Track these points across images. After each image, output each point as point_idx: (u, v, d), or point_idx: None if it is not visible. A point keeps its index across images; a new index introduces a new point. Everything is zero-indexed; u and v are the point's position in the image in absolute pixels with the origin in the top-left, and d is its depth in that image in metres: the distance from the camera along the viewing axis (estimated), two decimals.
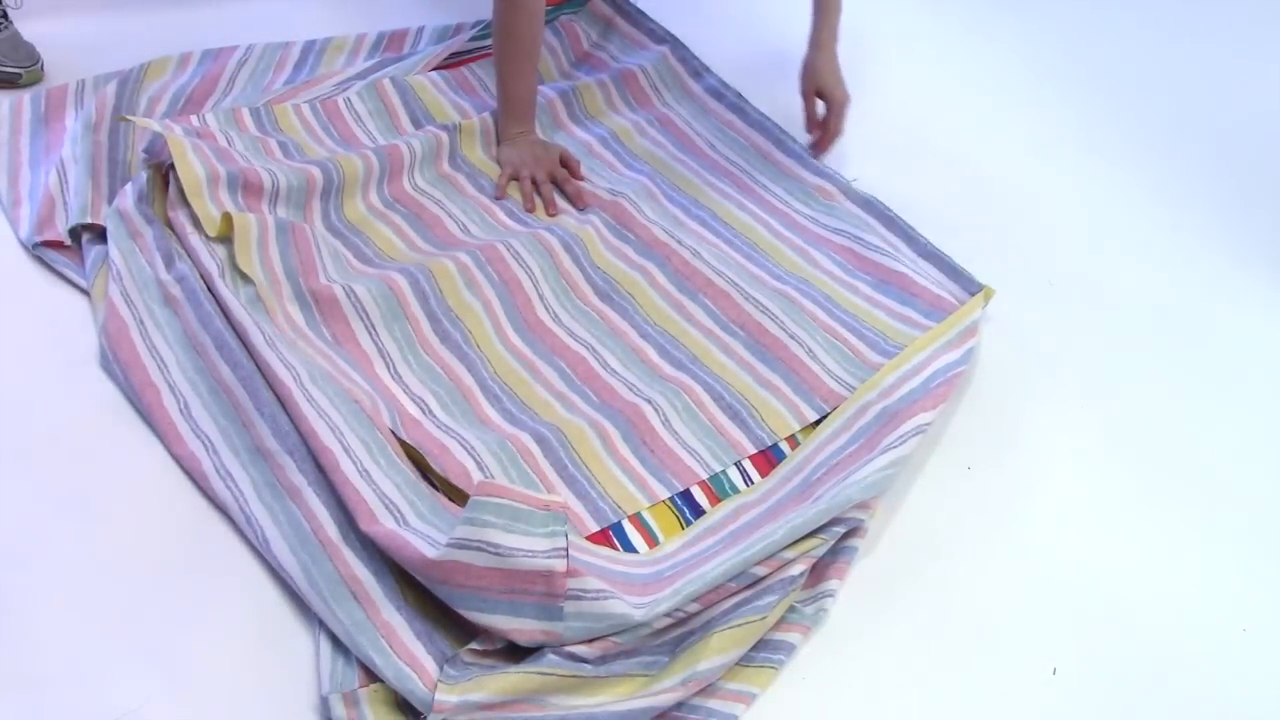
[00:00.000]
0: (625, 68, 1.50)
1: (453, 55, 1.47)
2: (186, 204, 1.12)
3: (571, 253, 1.20)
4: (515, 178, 1.30)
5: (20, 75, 1.33)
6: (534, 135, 1.34)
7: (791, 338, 1.13)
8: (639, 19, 1.59)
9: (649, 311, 1.17)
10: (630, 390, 1.07)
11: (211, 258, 1.07)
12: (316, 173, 1.20)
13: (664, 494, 0.99)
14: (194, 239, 1.09)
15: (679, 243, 1.23)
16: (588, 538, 0.94)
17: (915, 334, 1.16)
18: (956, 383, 1.07)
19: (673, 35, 1.55)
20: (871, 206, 1.33)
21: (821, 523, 0.90)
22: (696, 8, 1.71)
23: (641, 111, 1.46)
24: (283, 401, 0.96)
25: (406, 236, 1.21)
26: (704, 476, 1.01)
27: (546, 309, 1.15)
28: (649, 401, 1.05)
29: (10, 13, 1.35)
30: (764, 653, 0.87)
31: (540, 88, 1.43)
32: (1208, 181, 1.42)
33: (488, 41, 1.50)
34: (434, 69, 1.45)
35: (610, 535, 0.96)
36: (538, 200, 1.28)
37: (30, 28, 1.39)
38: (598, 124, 1.43)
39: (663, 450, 1.02)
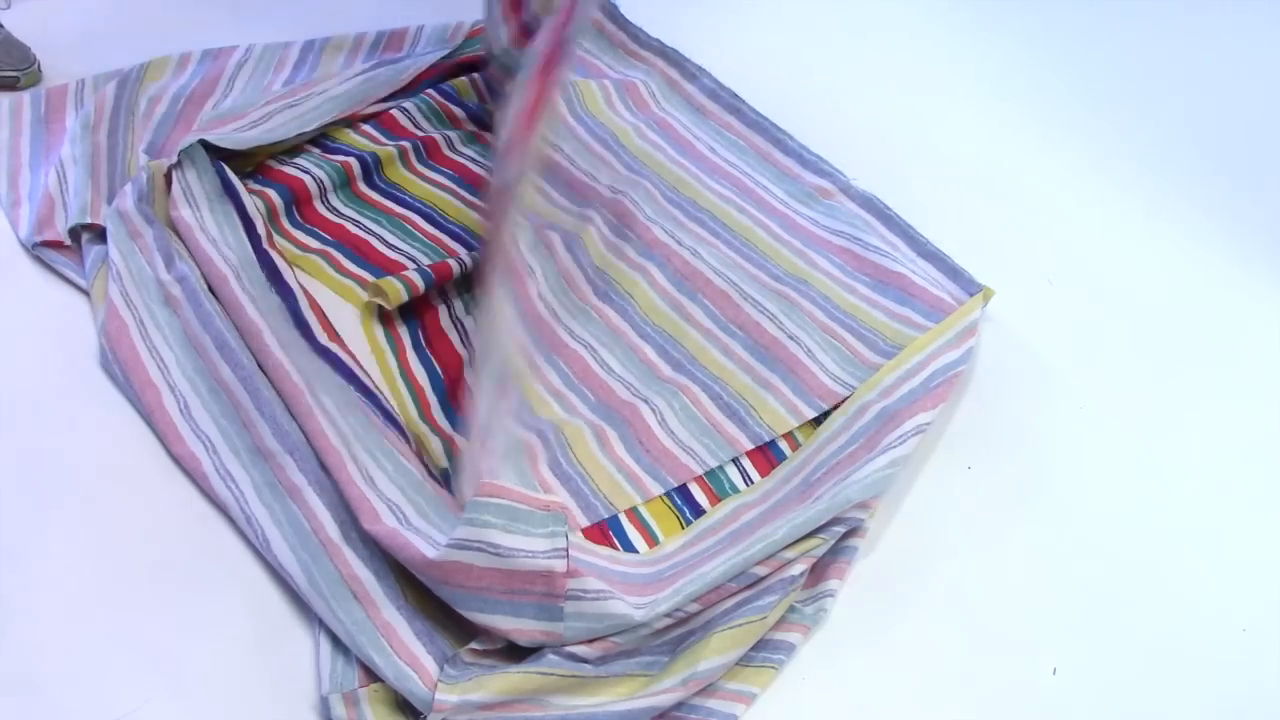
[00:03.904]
0: (624, 78, 1.50)
1: (448, 56, 1.47)
2: (189, 204, 1.13)
3: (571, 251, 1.21)
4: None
5: (18, 78, 1.33)
6: None
7: (790, 338, 1.13)
8: (626, 24, 1.59)
9: (647, 311, 1.17)
10: (628, 390, 1.07)
11: (225, 263, 1.07)
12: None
13: (658, 490, 0.99)
14: (202, 240, 1.09)
15: (679, 243, 1.23)
16: (587, 537, 0.94)
17: (914, 334, 1.16)
18: (956, 382, 1.07)
19: (661, 42, 1.55)
20: (871, 205, 1.33)
21: (821, 522, 0.90)
22: (689, 6, 1.71)
23: (641, 115, 1.46)
24: (288, 400, 0.96)
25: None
26: (700, 472, 1.01)
27: (545, 306, 1.15)
28: (646, 402, 1.05)
29: (0, 15, 1.35)
30: (764, 653, 0.87)
31: None
32: (1209, 180, 1.42)
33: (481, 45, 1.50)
34: (428, 74, 1.45)
35: (610, 535, 0.96)
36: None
37: (23, 25, 1.39)
38: (598, 123, 1.43)
39: (658, 450, 1.03)
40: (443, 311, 1.13)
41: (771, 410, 1.08)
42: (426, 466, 0.97)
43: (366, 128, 1.35)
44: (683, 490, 1.00)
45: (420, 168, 1.31)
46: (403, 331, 1.11)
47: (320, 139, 1.32)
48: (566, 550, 0.82)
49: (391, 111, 1.37)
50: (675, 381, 1.09)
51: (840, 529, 0.92)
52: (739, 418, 1.07)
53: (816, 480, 0.98)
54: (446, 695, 0.78)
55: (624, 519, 0.97)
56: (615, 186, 1.31)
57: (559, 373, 1.09)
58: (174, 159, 1.16)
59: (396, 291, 1.07)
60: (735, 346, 1.14)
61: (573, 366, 1.10)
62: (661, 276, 1.21)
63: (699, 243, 1.25)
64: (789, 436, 1.06)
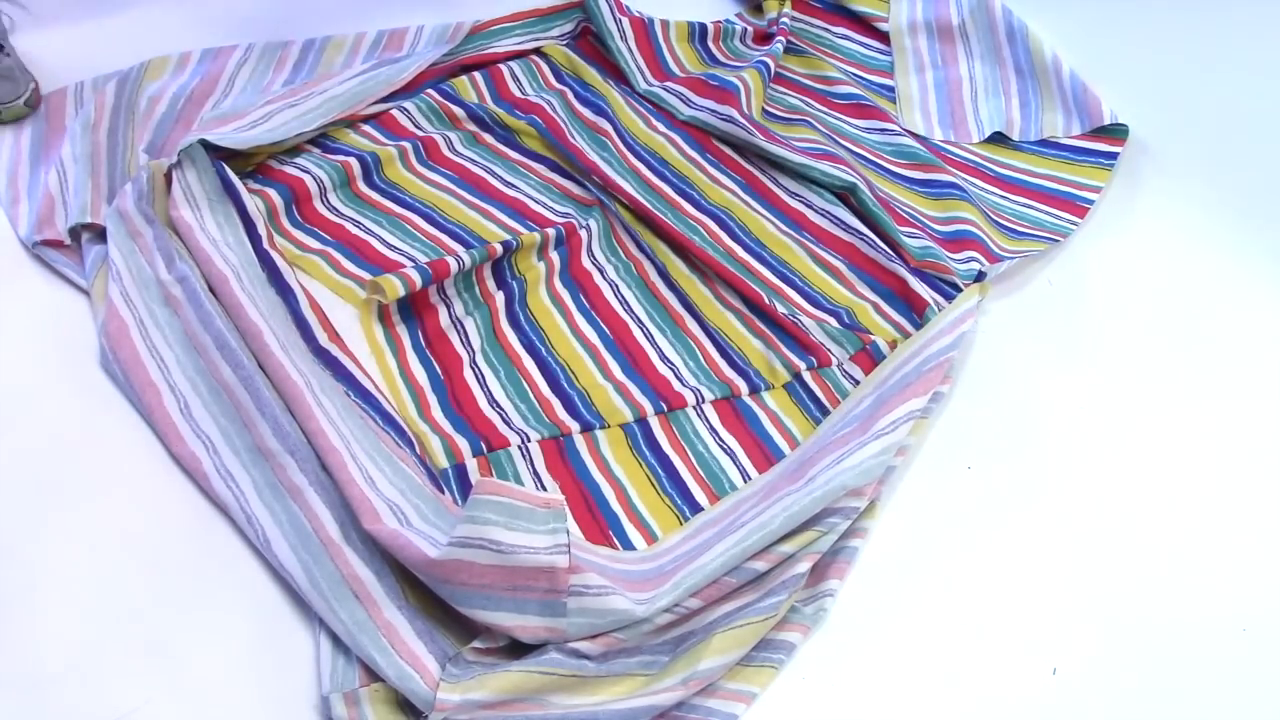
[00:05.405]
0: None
1: (448, 56, 1.47)
2: (189, 204, 1.13)
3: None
4: None
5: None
6: None
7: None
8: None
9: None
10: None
11: (225, 263, 1.07)
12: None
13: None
14: (202, 240, 1.09)
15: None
16: (588, 537, 0.95)
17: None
18: (947, 366, 1.07)
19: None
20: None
21: (816, 511, 0.90)
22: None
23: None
24: (290, 401, 0.96)
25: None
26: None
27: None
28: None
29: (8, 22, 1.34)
30: (764, 652, 0.87)
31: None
32: (1209, 178, 1.42)
33: (485, 42, 1.50)
34: (428, 75, 1.45)
35: (610, 535, 0.96)
36: None
37: (26, 37, 1.39)
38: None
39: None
40: (443, 312, 1.14)
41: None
42: (427, 468, 0.97)
43: (366, 128, 1.35)
44: (682, 489, 1.01)
45: (420, 168, 1.31)
46: (402, 332, 1.11)
47: (320, 139, 1.32)
48: (568, 546, 0.82)
49: (391, 111, 1.37)
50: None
51: (837, 520, 0.92)
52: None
53: (809, 460, 0.98)
54: (449, 695, 0.78)
55: (624, 519, 0.97)
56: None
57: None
58: (174, 159, 1.16)
59: (394, 287, 1.08)
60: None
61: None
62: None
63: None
64: (787, 435, 1.07)
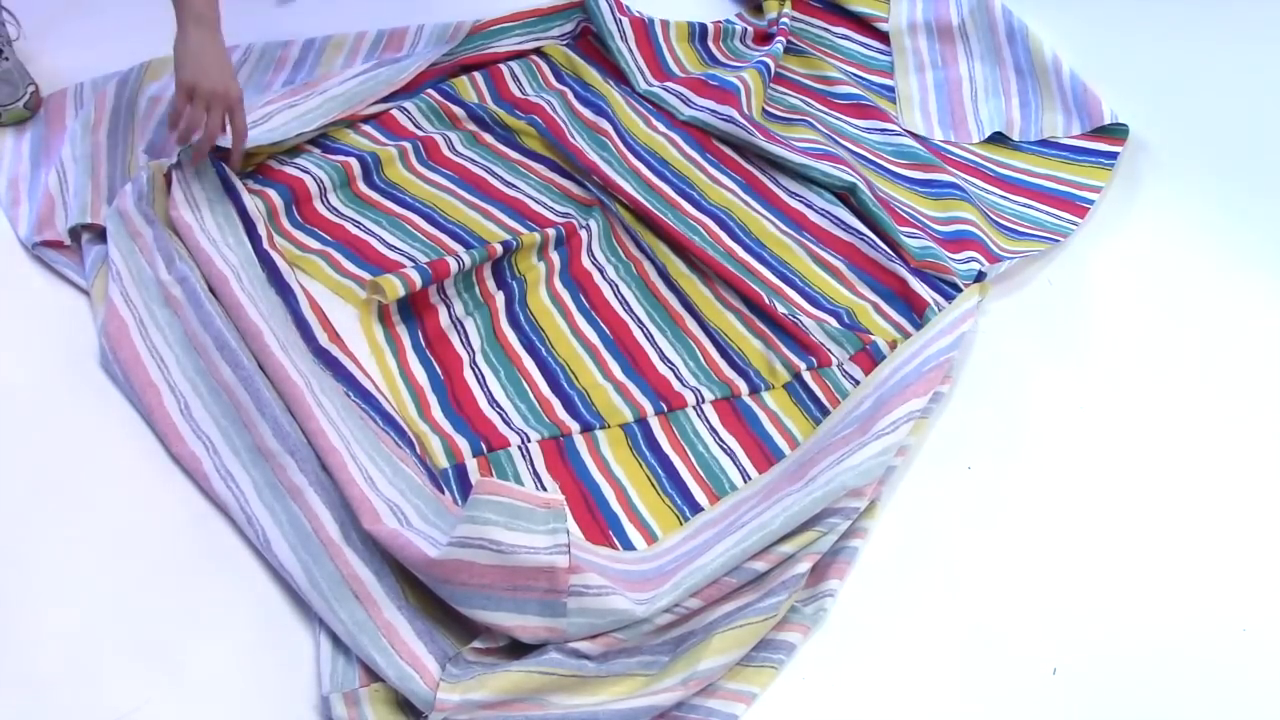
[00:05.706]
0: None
1: (448, 56, 1.47)
2: (189, 204, 1.13)
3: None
4: (191, 98, 1.10)
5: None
6: (220, 40, 1.13)
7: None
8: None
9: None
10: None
11: (225, 263, 1.07)
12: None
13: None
14: (202, 241, 1.09)
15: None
16: (588, 537, 0.95)
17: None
18: (947, 367, 1.07)
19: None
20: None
21: (816, 511, 0.90)
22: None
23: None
24: (290, 401, 0.96)
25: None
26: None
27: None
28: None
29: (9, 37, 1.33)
30: (764, 652, 0.87)
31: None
32: (1209, 178, 1.42)
33: (485, 42, 1.50)
34: (428, 75, 1.45)
35: (610, 535, 0.96)
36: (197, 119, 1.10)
37: (26, 40, 1.39)
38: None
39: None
40: (443, 312, 1.14)
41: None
42: (427, 468, 0.97)
43: (366, 128, 1.35)
44: (682, 489, 1.01)
45: (420, 168, 1.31)
46: (402, 332, 1.11)
47: (320, 139, 1.32)
48: (568, 546, 0.82)
49: (391, 111, 1.37)
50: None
51: (837, 520, 0.92)
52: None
53: (809, 461, 0.98)
54: (448, 695, 0.78)
55: (624, 519, 0.98)
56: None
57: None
58: (174, 159, 1.16)
59: (394, 287, 1.08)
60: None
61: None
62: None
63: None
64: (787, 435, 1.07)
